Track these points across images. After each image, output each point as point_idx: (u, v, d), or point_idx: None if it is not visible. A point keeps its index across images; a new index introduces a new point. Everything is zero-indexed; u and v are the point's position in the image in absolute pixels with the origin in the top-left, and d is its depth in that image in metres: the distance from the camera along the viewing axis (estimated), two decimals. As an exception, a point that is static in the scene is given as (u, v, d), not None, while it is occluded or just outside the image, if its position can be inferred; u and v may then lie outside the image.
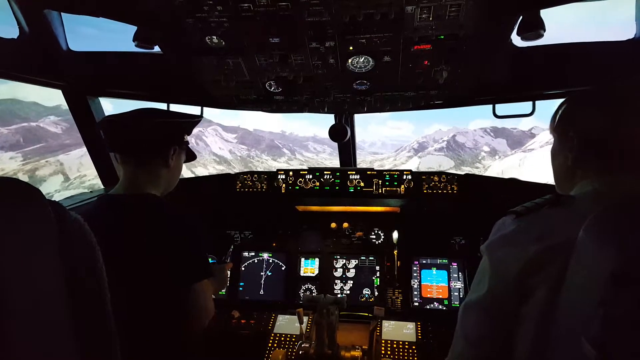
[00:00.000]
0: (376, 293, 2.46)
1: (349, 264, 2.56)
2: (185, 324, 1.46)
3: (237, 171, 2.81)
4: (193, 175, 2.86)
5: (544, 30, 1.46)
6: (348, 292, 2.49)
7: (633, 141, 1.01)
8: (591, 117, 1.09)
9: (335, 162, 3.02)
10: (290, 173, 2.63)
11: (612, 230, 0.72)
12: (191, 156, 1.72)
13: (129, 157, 1.52)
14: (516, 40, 1.65)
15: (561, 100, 1.20)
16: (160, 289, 1.37)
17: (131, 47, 1.76)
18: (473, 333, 1.07)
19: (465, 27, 1.42)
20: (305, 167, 2.65)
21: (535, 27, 1.46)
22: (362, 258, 2.57)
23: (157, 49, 1.76)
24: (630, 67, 1.75)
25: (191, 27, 1.50)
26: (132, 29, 1.69)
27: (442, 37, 1.48)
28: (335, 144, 2.83)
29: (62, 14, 1.89)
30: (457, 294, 2.36)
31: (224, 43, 1.59)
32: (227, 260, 2.12)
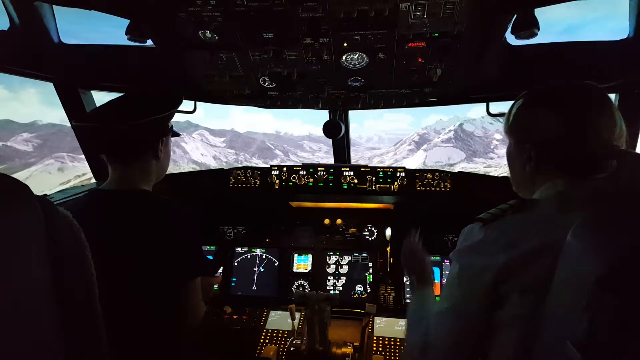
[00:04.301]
0: (369, 290, 2.47)
1: (342, 260, 2.56)
2: (177, 321, 1.46)
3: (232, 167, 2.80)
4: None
5: (538, 29, 1.46)
6: (341, 288, 2.50)
7: (589, 143, 1.02)
8: (546, 124, 1.08)
9: (331, 160, 3.02)
10: (284, 169, 2.63)
11: (598, 234, 0.73)
12: (174, 134, 1.69)
13: (118, 158, 1.49)
14: (510, 39, 1.66)
15: None
16: (153, 284, 1.36)
17: (124, 40, 1.74)
18: (448, 341, 1.09)
19: (460, 25, 1.42)
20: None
21: (529, 26, 1.46)
22: (355, 255, 2.57)
23: (150, 42, 1.74)
24: (623, 67, 1.75)
25: (184, 21, 1.48)
26: (124, 24, 1.67)
27: (437, 34, 1.48)
28: (331, 142, 2.83)
29: (53, 6, 1.86)
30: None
31: (217, 38, 1.57)
32: (217, 271, 2.06)
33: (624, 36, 1.70)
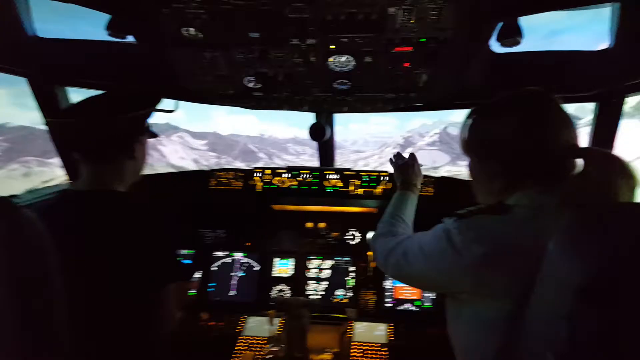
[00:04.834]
0: (350, 294, 2.45)
1: (323, 264, 2.54)
2: (150, 327, 1.41)
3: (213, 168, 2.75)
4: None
5: (522, 37, 1.48)
6: (323, 293, 2.47)
7: (555, 146, 1.03)
8: (509, 136, 1.06)
9: (317, 164, 3.00)
10: (267, 171, 2.59)
11: (579, 244, 0.72)
12: (152, 135, 1.63)
13: (92, 156, 1.42)
14: (495, 46, 1.67)
15: None
16: (125, 289, 1.30)
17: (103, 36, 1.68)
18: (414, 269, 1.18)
19: (446, 31, 1.42)
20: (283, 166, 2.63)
21: (512, 34, 1.47)
22: (337, 259, 2.55)
23: (131, 38, 1.69)
24: (603, 77, 1.79)
25: (167, 18, 1.44)
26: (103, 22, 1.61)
27: (424, 40, 1.48)
28: (316, 145, 2.81)
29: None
30: (429, 294, 2.37)
31: (201, 35, 1.53)
32: (193, 276, 1.99)
33: (605, 43, 1.73)
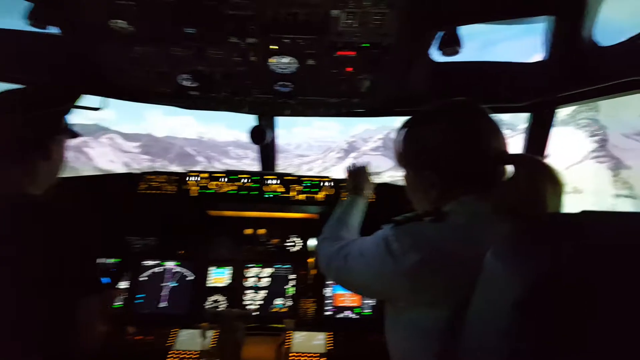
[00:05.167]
0: (290, 303, 2.38)
1: (262, 272, 2.45)
2: (67, 344, 1.26)
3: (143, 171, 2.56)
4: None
5: (460, 47, 1.53)
6: (261, 302, 2.38)
7: (486, 154, 1.05)
8: (442, 145, 1.08)
9: (259, 168, 2.92)
10: (204, 175, 2.47)
11: (518, 255, 0.70)
12: (72, 135, 1.49)
13: (1, 156, 1.29)
14: (435, 55, 1.71)
15: None
16: (36, 301, 1.17)
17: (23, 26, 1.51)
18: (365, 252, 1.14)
19: (389, 37, 1.42)
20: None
21: (452, 43, 1.52)
22: (277, 266, 2.47)
23: (55, 29, 1.53)
24: (537, 88, 1.89)
25: (94, 8, 1.32)
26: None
27: (367, 45, 1.47)
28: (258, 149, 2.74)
29: None
30: (368, 301, 2.38)
31: (132, 28, 1.42)
32: (114, 286, 1.83)
33: (540, 55, 1.82)
